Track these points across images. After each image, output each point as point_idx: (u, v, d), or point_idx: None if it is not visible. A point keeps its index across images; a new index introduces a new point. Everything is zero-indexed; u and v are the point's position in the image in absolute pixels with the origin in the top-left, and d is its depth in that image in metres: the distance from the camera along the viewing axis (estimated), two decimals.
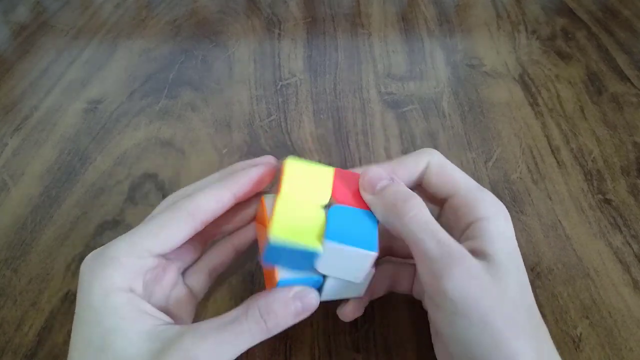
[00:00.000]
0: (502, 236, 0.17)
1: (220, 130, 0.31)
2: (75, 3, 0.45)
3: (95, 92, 0.34)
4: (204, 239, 0.20)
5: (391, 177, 0.17)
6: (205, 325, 0.16)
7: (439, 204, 0.19)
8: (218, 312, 0.16)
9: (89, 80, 0.35)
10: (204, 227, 0.17)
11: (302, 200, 0.17)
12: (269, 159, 0.19)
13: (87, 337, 0.15)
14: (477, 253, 0.16)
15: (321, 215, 0.17)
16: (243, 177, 0.18)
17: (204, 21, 0.42)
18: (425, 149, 0.19)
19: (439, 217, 0.19)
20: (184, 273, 0.20)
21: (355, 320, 0.21)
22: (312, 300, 0.17)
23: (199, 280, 0.20)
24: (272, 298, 0.16)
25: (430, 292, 0.16)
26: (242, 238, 0.20)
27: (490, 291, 0.15)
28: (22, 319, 0.21)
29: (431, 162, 0.18)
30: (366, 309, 0.21)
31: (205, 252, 0.20)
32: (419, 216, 0.16)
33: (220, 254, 0.20)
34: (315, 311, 0.21)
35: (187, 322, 0.19)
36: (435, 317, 0.16)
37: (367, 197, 0.17)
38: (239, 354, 0.16)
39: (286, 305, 0.16)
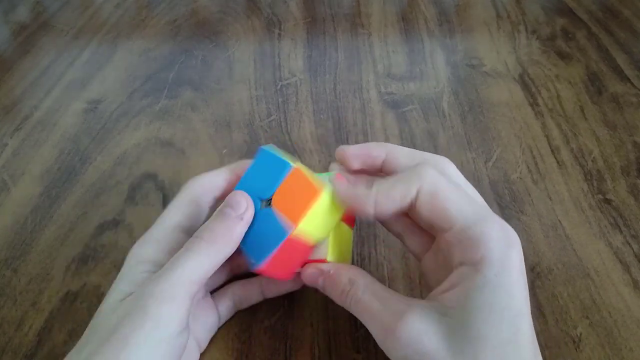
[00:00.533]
0: (480, 288, 0.14)
1: (220, 130, 0.31)
2: (75, 3, 0.45)
3: (95, 92, 0.34)
4: (232, 265, 0.21)
5: (320, 270, 0.18)
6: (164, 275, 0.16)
7: (435, 233, 0.17)
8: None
9: (89, 80, 0.36)
10: (215, 202, 0.19)
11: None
12: None
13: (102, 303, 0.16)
14: (441, 303, 0.15)
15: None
16: (243, 162, 0.20)
17: (204, 21, 0.42)
18: (420, 167, 0.16)
19: (432, 251, 0.18)
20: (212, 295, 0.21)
21: (355, 320, 0.21)
22: (239, 198, 0.17)
23: (226, 304, 0.20)
24: (206, 222, 0.17)
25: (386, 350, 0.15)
26: (270, 285, 0.20)
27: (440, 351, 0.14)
28: (22, 319, 0.21)
29: (422, 189, 0.16)
30: None
31: (235, 282, 0.21)
32: (352, 302, 0.17)
33: (247, 289, 0.21)
34: (315, 311, 0.21)
35: (205, 342, 0.20)
36: None
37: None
38: (196, 282, 0.16)
39: (215, 216, 0.17)
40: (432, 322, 0.14)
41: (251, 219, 0.17)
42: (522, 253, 0.15)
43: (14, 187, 0.28)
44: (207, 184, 0.19)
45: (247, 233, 0.17)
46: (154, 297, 0.15)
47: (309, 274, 0.18)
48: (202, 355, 0.20)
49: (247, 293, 0.21)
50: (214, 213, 0.17)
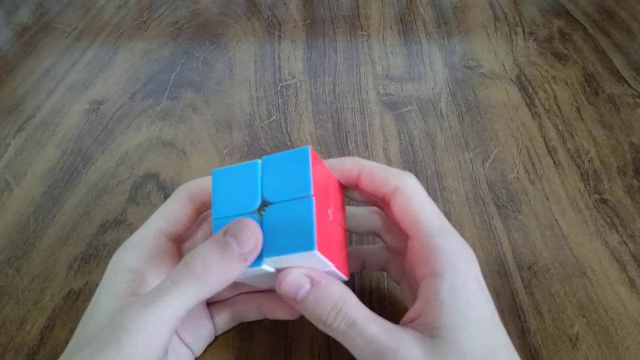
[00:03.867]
0: (454, 300, 0.15)
1: (221, 130, 0.31)
2: (77, 4, 0.45)
3: (97, 93, 0.35)
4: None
5: (310, 278, 0.15)
6: (137, 305, 0.14)
7: (405, 236, 0.18)
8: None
9: (91, 81, 0.36)
10: (205, 208, 0.19)
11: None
12: None
13: (83, 315, 0.16)
14: (423, 324, 0.15)
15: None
16: None
17: (205, 23, 0.42)
18: (405, 172, 0.17)
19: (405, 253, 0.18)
20: (210, 308, 0.20)
21: None
22: (249, 232, 0.14)
23: (223, 317, 0.20)
24: (200, 249, 0.14)
25: None
26: (269, 304, 0.19)
27: None
28: (24, 318, 0.22)
29: (401, 190, 0.16)
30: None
31: (235, 298, 0.20)
32: (343, 322, 0.15)
33: (246, 304, 0.20)
34: None
35: (199, 350, 0.19)
36: None
37: (291, 304, 0.16)
38: (178, 317, 0.14)
39: (214, 247, 0.14)
40: (425, 346, 0.14)
41: (253, 259, 0.14)
42: (477, 267, 0.16)
43: (16, 187, 0.28)
44: (194, 188, 0.18)
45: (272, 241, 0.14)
46: (129, 333, 0.13)
47: (292, 279, 0.15)
48: (202, 353, 0.20)
49: (245, 308, 0.20)
50: (212, 239, 0.15)
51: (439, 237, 0.16)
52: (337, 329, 0.15)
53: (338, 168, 0.17)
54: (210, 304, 0.20)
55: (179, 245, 0.19)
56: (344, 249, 0.18)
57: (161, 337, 0.14)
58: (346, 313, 0.15)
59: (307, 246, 0.14)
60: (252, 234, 0.14)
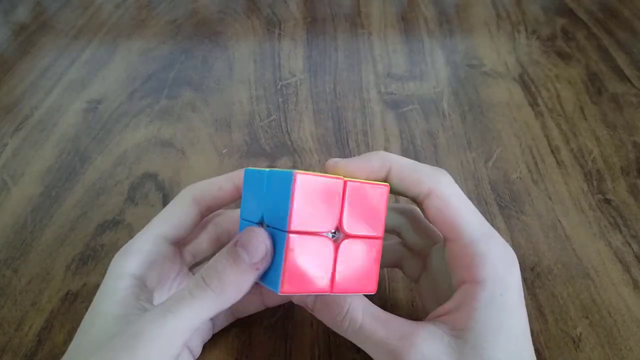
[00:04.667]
0: (488, 308, 0.14)
1: (220, 130, 0.31)
2: (75, 3, 0.45)
3: (95, 92, 0.34)
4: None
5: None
6: (151, 315, 0.14)
7: (432, 237, 0.18)
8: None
9: (89, 80, 0.36)
10: (209, 212, 0.18)
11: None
12: None
13: (84, 320, 0.16)
14: (450, 323, 0.14)
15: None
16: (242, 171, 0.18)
17: (204, 21, 0.42)
18: (438, 169, 0.16)
19: (428, 270, 0.18)
20: None
21: None
22: (258, 242, 0.14)
23: (222, 313, 0.19)
24: (214, 262, 0.14)
25: None
26: (272, 293, 0.18)
27: None
28: (22, 319, 0.21)
29: (436, 191, 0.15)
30: None
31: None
32: (350, 327, 0.15)
33: (246, 297, 0.19)
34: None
35: (198, 349, 0.19)
36: None
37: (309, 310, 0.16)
38: (193, 328, 0.14)
39: (226, 259, 0.14)
40: (443, 345, 0.14)
41: (265, 268, 0.14)
42: (519, 272, 0.15)
43: (14, 187, 0.28)
44: (199, 191, 0.18)
45: None
46: (145, 341, 0.14)
47: (300, 296, 0.16)
48: (202, 355, 0.20)
49: (245, 301, 0.19)
50: (225, 250, 0.15)
51: (481, 243, 0.15)
52: (347, 333, 0.15)
53: (364, 169, 0.16)
54: None
55: (180, 249, 0.19)
56: (373, 264, 0.16)
57: (175, 347, 0.14)
58: (353, 317, 0.15)
59: (274, 286, 0.14)
60: (261, 243, 0.14)
